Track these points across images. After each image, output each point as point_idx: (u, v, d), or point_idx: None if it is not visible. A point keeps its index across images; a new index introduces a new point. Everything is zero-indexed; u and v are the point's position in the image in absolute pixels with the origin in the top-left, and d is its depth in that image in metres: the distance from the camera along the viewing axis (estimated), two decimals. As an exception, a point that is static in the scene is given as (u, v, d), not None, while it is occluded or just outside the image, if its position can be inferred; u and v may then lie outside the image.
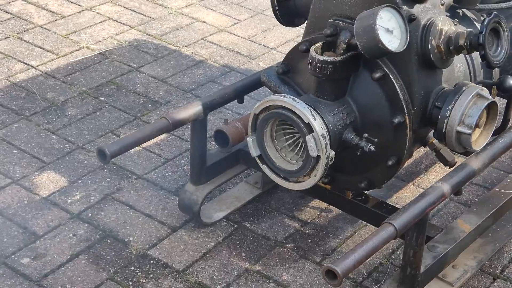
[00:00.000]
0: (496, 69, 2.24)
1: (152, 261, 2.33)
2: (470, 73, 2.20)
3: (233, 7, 3.86)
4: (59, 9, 3.71)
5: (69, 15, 3.66)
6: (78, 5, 3.75)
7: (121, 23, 3.63)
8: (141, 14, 3.72)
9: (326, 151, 1.96)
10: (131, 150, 2.34)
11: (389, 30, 1.89)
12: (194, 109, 2.26)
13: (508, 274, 2.35)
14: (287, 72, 2.19)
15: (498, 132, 2.34)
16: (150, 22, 3.67)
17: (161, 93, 3.14)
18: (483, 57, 1.96)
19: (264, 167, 2.12)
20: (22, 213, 2.47)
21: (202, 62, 3.37)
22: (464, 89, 2.01)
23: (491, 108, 2.04)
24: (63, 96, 3.07)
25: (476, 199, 2.61)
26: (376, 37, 1.85)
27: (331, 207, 2.52)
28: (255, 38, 3.60)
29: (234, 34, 3.61)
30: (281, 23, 2.32)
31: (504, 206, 2.31)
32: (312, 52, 2.01)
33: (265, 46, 3.53)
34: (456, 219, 2.27)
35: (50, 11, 3.69)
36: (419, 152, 2.78)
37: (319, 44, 2.04)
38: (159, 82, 3.20)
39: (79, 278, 2.24)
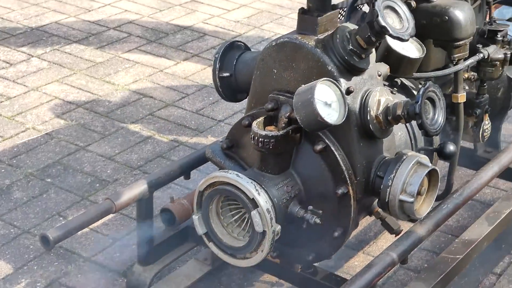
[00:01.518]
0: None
1: None
2: (411, 140, 2.22)
3: (180, 81, 3.89)
4: (4, 90, 3.70)
5: (15, 96, 3.65)
6: (24, 85, 3.75)
7: (68, 102, 3.63)
8: (88, 92, 3.73)
9: (272, 226, 1.95)
10: (78, 232, 2.30)
11: (328, 104, 1.90)
12: (139, 188, 2.24)
13: None
14: (232, 147, 2.19)
15: (443, 196, 2.37)
16: (97, 99, 3.67)
17: (108, 171, 3.12)
18: (421, 126, 1.98)
19: (211, 245, 2.10)
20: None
21: (150, 137, 3.37)
22: (404, 157, 2.03)
23: (432, 175, 2.05)
24: (8, 180, 3.03)
25: (425, 265, 2.61)
26: (314, 111, 1.86)
27: (282, 282, 2.50)
28: (203, 111, 3.62)
29: (182, 108, 3.63)
30: (223, 98, 2.33)
31: (451, 271, 2.31)
32: (254, 127, 2.01)
33: (213, 119, 3.55)
34: (405, 287, 2.26)
35: None
36: (368, 219, 2.78)
37: (261, 118, 2.05)
38: (107, 160, 3.19)
39: None
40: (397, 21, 1.96)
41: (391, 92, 2.16)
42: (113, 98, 3.68)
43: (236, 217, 2.07)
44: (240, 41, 2.34)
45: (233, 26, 4.57)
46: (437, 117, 2.05)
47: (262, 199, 1.94)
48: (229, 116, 3.55)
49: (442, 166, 2.79)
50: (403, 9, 1.99)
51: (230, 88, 2.31)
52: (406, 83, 2.27)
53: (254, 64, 2.15)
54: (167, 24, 4.57)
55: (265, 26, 4.57)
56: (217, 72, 2.27)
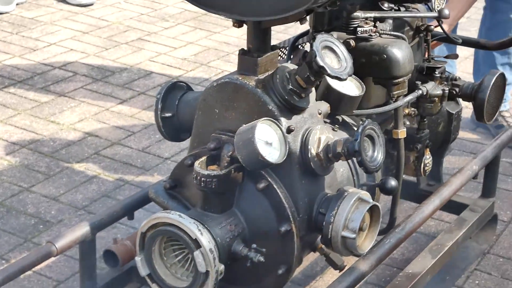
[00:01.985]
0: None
1: None
2: (353, 176, 2.24)
3: (126, 119, 3.88)
4: None
5: (-44, 136, 3.61)
6: (-34, 125, 3.71)
7: (11, 142, 3.59)
8: (32, 132, 3.69)
9: (215, 266, 1.95)
10: (21, 276, 2.27)
11: (268, 143, 1.92)
12: (81, 230, 2.22)
13: None
14: (175, 187, 2.19)
15: (387, 230, 2.39)
16: (41, 140, 3.64)
17: (53, 212, 3.09)
18: (360, 163, 2.00)
19: (154, 286, 2.08)
20: None
21: (95, 177, 3.35)
22: (345, 194, 2.04)
23: (373, 210, 2.08)
24: (-50, 221, 2.99)
25: (372, 299, 2.64)
26: (255, 150, 1.87)
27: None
28: (149, 149, 3.61)
29: (128, 147, 3.62)
30: (166, 138, 2.34)
31: (396, 305, 2.34)
32: (196, 166, 2.02)
33: (160, 157, 3.54)
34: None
35: None
36: (315, 254, 2.79)
37: (204, 158, 2.06)
38: (51, 201, 3.16)
39: None
40: (336, 60, 1.98)
41: (333, 129, 2.18)
42: (58, 138, 3.65)
43: (179, 257, 2.06)
44: (182, 81, 2.36)
45: (180, 64, 4.59)
46: (377, 154, 2.08)
47: (205, 239, 1.93)
48: (175, 153, 3.55)
49: (387, 200, 2.83)
50: (341, 49, 2.01)
51: (172, 128, 2.31)
52: (348, 120, 2.30)
53: (196, 104, 2.16)
54: (113, 62, 4.57)
55: (212, 63, 4.60)
56: (159, 112, 2.28)
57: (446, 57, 2.68)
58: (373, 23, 2.34)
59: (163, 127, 2.30)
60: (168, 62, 4.62)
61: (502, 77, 2.65)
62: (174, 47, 4.87)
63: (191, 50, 4.73)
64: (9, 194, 3.19)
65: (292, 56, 2.49)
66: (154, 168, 3.45)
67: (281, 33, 4.71)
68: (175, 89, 2.32)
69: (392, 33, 2.39)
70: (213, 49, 4.81)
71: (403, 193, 2.63)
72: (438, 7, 2.50)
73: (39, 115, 3.86)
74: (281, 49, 2.51)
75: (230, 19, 2.04)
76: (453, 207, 2.85)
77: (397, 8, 2.45)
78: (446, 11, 2.49)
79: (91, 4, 5.46)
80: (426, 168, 2.61)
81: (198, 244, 1.93)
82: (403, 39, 2.38)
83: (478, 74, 3.95)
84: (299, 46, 2.50)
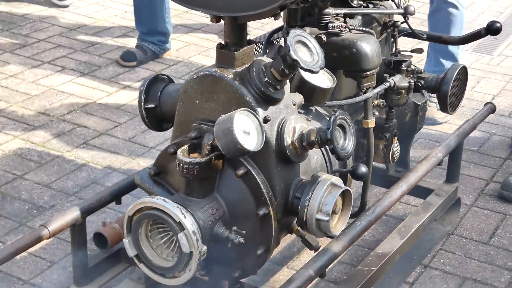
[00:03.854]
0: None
1: None
2: (326, 163, 2.26)
3: (113, 111, 3.87)
4: None
5: (-48, 129, 3.59)
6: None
7: (4, 133, 3.58)
8: (24, 123, 3.68)
9: (198, 247, 1.96)
10: (17, 257, 2.27)
11: (246, 132, 1.93)
12: (72, 214, 2.23)
13: None
14: (159, 174, 2.20)
15: (358, 214, 2.42)
16: (33, 130, 3.63)
17: (45, 198, 3.09)
18: (332, 151, 2.02)
19: (141, 266, 2.09)
20: None
21: (84, 165, 3.35)
22: (319, 180, 2.07)
23: (345, 195, 2.10)
24: None
25: (344, 277, 2.65)
26: (234, 139, 1.89)
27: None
28: (135, 139, 3.61)
29: (115, 137, 3.62)
30: (149, 128, 2.34)
31: (367, 282, 2.35)
32: (179, 154, 2.03)
33: (145, 146, 3.55)
34: (325, 298, 2.31)
35: None
36: (291, 236, 2.81)
37: (185, 146, 2.06)
38: (43, 188, 3.15)
39: None
40: (308, 54, 2.00)
41: (306, 119, 2.19)
42: (49, 129, 3.65)
43: (164, 239, 2.07)
44: (164, 74, 2.36)
45: (162, 59, 4.58)
46: (348, 142, 2.10)
47: (188, 222, 1.95)
48: (160, 143, 3.55)
49: (358, 185, 2.85)
50: (313, 43, 2.03)
51: (155, 118, 2.31)
52: (320, 111, 2.31)
53: (177, 96, 2.17)
54: (99, 57, 4.55)
55: (192, 58, 4.59)
56: (142, 103, 2.27)
57: (412, 51, 2.70)
58: (343, 19, 2.36)
59: (147, 118, 2.30)
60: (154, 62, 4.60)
61: (464, 70, 2.68)
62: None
63: (174, 46, 4.72)
64: (4, 181, 3.18)
65: (267, 51, 2.50)
66: (139, 156, 3.45)
67: (257, 30, 4.72)
68: (157, 82, 2.32)
69: (361, 28, 2.41)
70: (193, 45, 4.80)
71: (373, 179, 2.67)
72: (404, 4, 2.52)
73: (30, 107, 3.84)
74: (257, 44, 2.52)
75: (208, 15, 2.03)
76: (419, 191, 2.88)
77: (365, 5, 2.47)
78: (412, 8, 2.52)
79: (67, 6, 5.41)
80: (394, 155, 2.64)
81: (182, 227, 1.94)
82: (372, 34, 2.40)
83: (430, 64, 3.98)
84: (274, 41, 2.51)
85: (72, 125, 3.70)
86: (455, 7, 3.80)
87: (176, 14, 5.07)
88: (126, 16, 5.24)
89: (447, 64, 3.80)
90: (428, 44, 3.95)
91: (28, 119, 3.73)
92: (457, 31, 3.78)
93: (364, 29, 2.41)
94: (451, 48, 3.86)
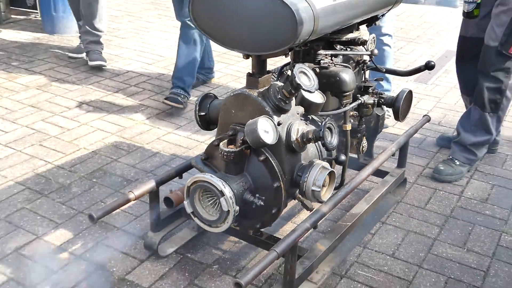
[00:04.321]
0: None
1: (128, 283, 2.26)
2: (318, 153, 2.25)
3: (177, 118, 3.85)
4: (65, 125, 3.64)
5: (72, 128, 3.60)
6: (78, 121, 3.69)
7: (105, 131, 3.58)
8: (118, 125, 3.68)
9: (233, 207, 1.97)
10: (113, 212, 2.27)
11: (266, 131, 1.93)
12: (150, 185, 2.24)
13: (349, 275, 2.38)
14: (208, 159, 2.20)
15: (338, 187, 2.40)
16: (123, 129, 3.62)
17: (132, 174, 3.08)
18: (323, 145, 2.02)
19: (196, 219, 2.11)
20: (43, 257, 2.39)
21: (158, 153, 3.34)
22: (314, 164, 2.06)
23: (331, 174, 2.10)
24: (69, 180, 2.99)
25: (328, 229, 2.64)
26: (257, 136, 1.89)
27: (241, 240, 2.51)
28: (191, 136, 3.60)
29: (178, 135, 3.61)
30: (201, 128, 2.34)
31: (345, 233, 2.36)
32: (221, 146, 2.04)
33: (197, 141, 3.53)
34: (316, 243, 2.29)
35: (60, 126, 3.61)
36: (295, 201, 2.80)
37: (225, 140, 2.07)
38: (131, 167, 3.15)
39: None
40: (307, 80, 1.99)
41: (306, 124, 2.19)
42: (134, 129, 3.64)
43: (211, 202, 2.08)
44: (211, 93, 2.36)
45: (209, 84, 4.56)
46: (333, 139, 2.09)
47: (227, 190, 1.95)
48: (207, 139, 3.54)
49: (339, 168, 2.82)
50: (311, 73, 2.02)
51: (205, 122, 2.32)
52: (315, 118, 2.31)
53: (219, 107, 2.17)
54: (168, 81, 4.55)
55: (229, 83, 4.58)
56: (197, 112, 2.29)
57: (376, 79, 2.67)
58: (330, 58, 2.35)
59: (199, 121, 2.31)
60: (204, 85, 4.58)
61: (410, 93, 2.65)
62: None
63: (220, 76, 4.70)
64: (105, 163, 3.19)
65: (280, 78, 2.49)
66: (194, 147, 3.44)
67: (272, 65, 4.71)
68: (206, 98, 2.32)
69: (342, 64, 2.40)
70: (229, 75, 4.79)
71: (349, 164, 2.66)
72: (370, 48, 2.50)
73: (122, 115, 3.85)
74: (273, 73, 2.51)
75: (241, 54, 2.03)
76: (379, 173, 2.87)
77: (345, 48, 2.45)
78: (376, 51, 2.49)
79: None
80: (363, 149, 2.62)
81: (222, 194, 1.95)
82: (349, 68, 2.38)
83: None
84: (284, 72, 2.50)
85: (149, 127, 3.69)
86: (389, 46, 3.74)
87: (218, 54, 5.07)
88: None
89: (386, 85, 3.77)
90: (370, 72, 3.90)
91: (120, 122, 3.73)
92: (390, 63, 3.73)
93: (344, 64, 2.39)
94: (387, 77, 3.80)
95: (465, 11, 2.99)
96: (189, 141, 3.55)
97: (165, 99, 3.83)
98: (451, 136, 3.54)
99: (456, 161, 3.19)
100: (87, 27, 4.54)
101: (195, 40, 3.84)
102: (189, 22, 3.77)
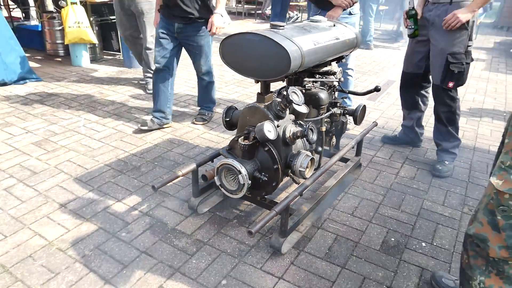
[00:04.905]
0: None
1: (177, 231, 2.24)
2: (304, 145, 2.21)
3: (212, 124, 3.76)
4: (137, 127, 3.57)
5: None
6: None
7: (163, 131, 3.49)
8: (171, 127, 3.59)
9: (247, 181, 1.94)
10: (168, 184, 2.25)
11: (269, 131, 1.91)
12: (192, 166, 2.22)
13: (323, 227, 2.34)
14: (230, 149, 2.18)
15: (316, 169, 2.36)
16: (175, 130, 3.53)
17: (180, 159, 3.03)
18: (307, 140, 1.99)
19: (222, 189, 2.08)
20: (122, 214, 2.36)
21: (197, 146, 3.28)
22: (301, 153, 2.03)
23: (312, 160, 2.06)
24: (139, 163, 2.94)
25: (310, 196, 2.60)
26: (264, 134, 1.86)
27: (252, 204, 2.47)
28: (220, 134, 3.53)
29: (211, 134, 3.55)
30: (227, 129, 2.31)
31: (320, 199, 2.33)
32: (239, 140, 2.01)
33: (223, 137, 3.46)
34: (301, 205, 2.26)
35: (134, 128, 3.52)
36: (287, 178, 2.77)
37: (242, 137, 2.04)
38: (179, 155, 3.10)
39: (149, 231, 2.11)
40: (297, 97, 1.97)
41: (295, 126, 2.15)
42: (182, 130, 3.57)
43: (232, 177, 2.05)
44: (233, 106, 2.32)
45: (232, 102, 4.50)
46: (314, 136, 2.06)
47: (243, 170, 1.93)
48: (230, 136, 3.48)
49: (317, 156, 2.77)
50: (299, 93, 2.00)
51: (229, 125, 2.29)
52: (302, 123, 2.26)
53: (239, 115, 2.14)
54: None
55: (244, 100, 4.51)
56: (224, 118, 2.26)
57: (342, 98, 2.62)
58: (312, 83, 2.31)
59: (225, 124, 2.28)
60: (224, 97, 4.50)
61: (364, 107, 2.60)
62: (228, 92, 4.76)
63: (234, 95, 4.63)
64: (162, 152, 3.15)
65: (278, 96, 2.45)
66: (221, 142, 3.39)
67: (273, 87, 4.63)
68: (230, 109, 2.29)
69: (320, 87, 2.36)
70: (245, 94, 4.73)
71: (324, 154, 2.61)
72: (338, 77, 2.46)
73: (174, 120, 3.77)
74: (274, 93, 2.47)
75: (253, 80, 2.00)
76: (343, 159, 2.82)
77: (322, 77, 2.41)
78: (342, 79, 2.45)
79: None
80: (333, 144, 2.58)
81: (240, 172, 1.92)
82: (324, 90, 2.35)
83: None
84: (282, 92, 2.46)
85: (192, 128, 3.63)
86: (351, 76, 3.65)
87: (238, 81, 5.01)
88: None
89: (348, 102, 3.65)
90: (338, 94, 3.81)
91: (173, 125, 3.66)
92: (351, 87, 3.65)
93: (321, 87, 2.35)
94: (349, 96, 3.72)
95: (408, 34, 2.90)
96: (218, 137, 3.51)
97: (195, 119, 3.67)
98: (391, 136, 3.48)
99: (446, 162, 3.08)
100: (146, 67, 4.64)
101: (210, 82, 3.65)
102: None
